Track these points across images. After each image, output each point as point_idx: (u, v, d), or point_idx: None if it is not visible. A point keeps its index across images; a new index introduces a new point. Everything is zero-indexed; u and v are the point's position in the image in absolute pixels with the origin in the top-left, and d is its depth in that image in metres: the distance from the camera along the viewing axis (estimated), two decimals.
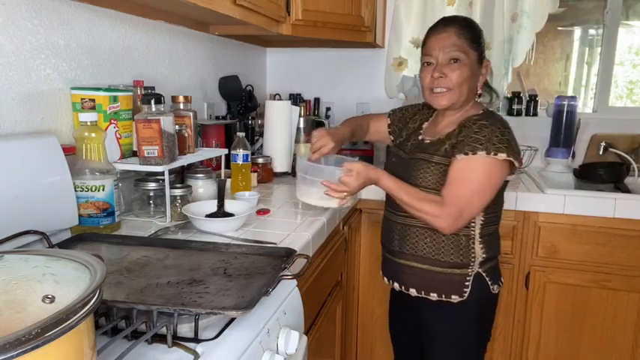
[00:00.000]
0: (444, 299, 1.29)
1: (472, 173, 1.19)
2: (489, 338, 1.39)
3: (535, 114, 2.43)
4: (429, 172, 1.25)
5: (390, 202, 1.35)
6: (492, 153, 1.17)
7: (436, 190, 1.24)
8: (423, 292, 1.31)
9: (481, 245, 1.28)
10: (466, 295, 1.27)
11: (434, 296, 1.30)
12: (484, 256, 1.29)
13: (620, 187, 2.11)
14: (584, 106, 2.54)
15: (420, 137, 1.37)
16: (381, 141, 1.62)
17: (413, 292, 1.33)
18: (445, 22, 1.27)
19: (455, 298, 1.28)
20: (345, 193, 1.24)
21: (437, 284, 1.29)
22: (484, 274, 1.29)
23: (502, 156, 1.17)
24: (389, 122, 1.53)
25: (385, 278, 1.44)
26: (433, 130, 1.36)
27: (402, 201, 1.23)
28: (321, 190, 1.25)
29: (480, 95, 1.31)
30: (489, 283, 1.30)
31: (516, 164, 1.21)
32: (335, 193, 1.23)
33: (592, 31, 2.54)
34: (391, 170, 1.36)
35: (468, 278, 1.28)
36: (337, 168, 1.25)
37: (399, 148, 1.42)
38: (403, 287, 1.36)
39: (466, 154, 1.19)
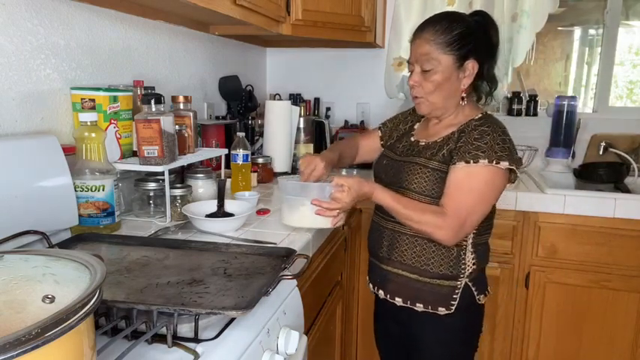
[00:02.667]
0: (430, 310, 1.25)
1: (474, 182, 1.15)
2: (476, 348, 1.35)
3: (535, 114, 2.43)
4: (425, 178, 1.21)
5: (380, 206, 1.29)
6: (494, 162, 1.14)
7: (429, 196, 1.20)
8: (409, 302, 1.27)
9: (473, 256, 1.24)
10: (453, 308, 1.24)
11: (420, 307, 1.26)
12: (474, 267, 1.25)
13: (620, 187, 2.11)
14: (584, 106, 2.54)
15: (412, 139, 1.33)
16: (371, 158, 1.52)
17: (399, 301, 1.28)
18: (421, 27, 1.22)
19: (441, 311, 1.24)
20: (338, 211, 1.18)
21: (424, 295, 1.25)
22: (470, 285, 1.25)
23: (504, 164, 1.14)
24: (380, 135, 1.48)
25: (371, 285, 1.38)
26: (426, 131, 1.32)
27: (400, 213, 1.17)
28: (311, 210, 1.17)
29: (463, 99, 1.25)
30: (475, 293, 1.27)
31: (517, 173, 1.19)
32: (327, 212, 1.17)
33: (592, 31, 2.54)
34: (381, 172, 1.32)
35: (456, 291, 1.23)
36: (327, 184, 1.18)
37: (390, 149, 1.37)
38: (388, 295, 1.31)
39: (467, 162, 1.15)
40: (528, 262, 1.90)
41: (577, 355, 1.91)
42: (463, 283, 1.24)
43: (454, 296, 1.24)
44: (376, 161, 1.42)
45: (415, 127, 1.38)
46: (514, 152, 1.18)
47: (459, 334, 1.30)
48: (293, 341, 0.88)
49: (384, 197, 1.18)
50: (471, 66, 1.20)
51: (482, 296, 1.29)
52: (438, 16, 1.24)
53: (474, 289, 1.26)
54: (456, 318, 1.25)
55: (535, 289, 1.90)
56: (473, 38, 1.20)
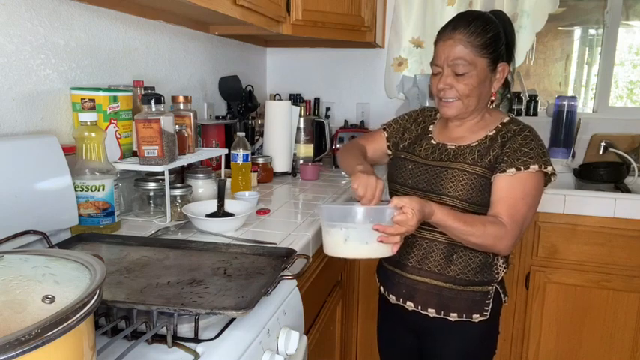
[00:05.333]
0: (464, 319, 1.22)
1: (527, 189, 1.14)
2: (495, 352, 1.33)
3: (535, 114, 2.43)
4: (471, 185, 1.16)
5: None
6: (543, 166, 1.14)
7: (473, 203, 1.16)
8: (442, 313, 1.22)
9: (503, 260, 1.24)
10: (488, 313, 1.22)
11: (454, 316, 1.22)
12: (504, 270, 1.24)
13: (620, 187, 2.11)
14: (584, 106, 2.54)
15: (433, 141, 1.27)
16: (377, 162, 1.45)
17: (431, 312, 1.23)
18: (453, 27, 1.16)
19: (476, 317, 1.22)
20: (400, 237, 1.05)
21: (457, 303, 1.21)
22: (499, 288, 1.25)
23: (549, 169, 1.15)
24: (386, 136, 1.40)
25: (393, 296, 1.30)
26: (447, 134, 1.27)
27: (461, 231, 1.09)
28: (369, 237, 1.04)
29: (492, 102, 1.23)
30: (502, 295, 1.27)
31: (553, 178, 1.19)
32: (391, 238, 1.04)
33: (592, 31, 2.54)
34: (407, 178, 1.26)
35: (489, 296, 1.22)
36: (386, 207, 1.05)
37: (410, 152, 1.30)
38: (420, 307, 1.24)
39: (518, 168, 1.13)
40: (528, 262, 1.90)
41: (577, 355, 1.91)
42: (494, 287, 1.24)
43: (487, 301, 1.22)
44: (396, 165, 1.32)
45: (430, 128, 1.32)
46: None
47: (488, 341, 1.29)
48: (293, 341, 0.88)
49: (445, 217, 1.08)
50: (502, 69, 1.19)
51: (506, 298, 1.29)
52: (469, 15, 1.19)
53: (501, 291, 1.27)
54: (487, 324, 1.24)
55: (535, 289, 1.90)
56: (504, 40, 1.18)
